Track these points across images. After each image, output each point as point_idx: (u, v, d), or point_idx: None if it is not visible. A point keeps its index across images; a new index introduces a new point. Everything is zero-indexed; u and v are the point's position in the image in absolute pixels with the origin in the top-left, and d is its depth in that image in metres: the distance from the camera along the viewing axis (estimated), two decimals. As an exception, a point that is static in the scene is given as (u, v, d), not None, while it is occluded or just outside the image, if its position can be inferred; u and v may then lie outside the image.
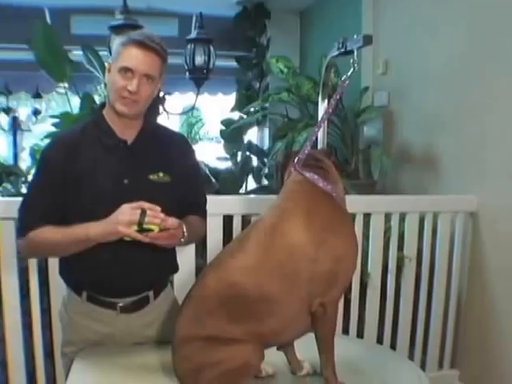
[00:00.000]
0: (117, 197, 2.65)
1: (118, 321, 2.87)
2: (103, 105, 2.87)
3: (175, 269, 3.11)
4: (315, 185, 2.48)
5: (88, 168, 2.68)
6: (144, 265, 2.77)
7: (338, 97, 2.87)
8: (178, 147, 2.95)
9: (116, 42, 2.78)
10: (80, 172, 2.67)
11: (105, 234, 2.52)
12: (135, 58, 2.62)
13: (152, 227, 2.46)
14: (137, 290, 2.87)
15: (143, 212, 2.44)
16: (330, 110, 2.93)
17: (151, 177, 2.75)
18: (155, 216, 2.45)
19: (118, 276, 2.71)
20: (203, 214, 3.06)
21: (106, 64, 2.81)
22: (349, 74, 2.90)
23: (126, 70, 2.62)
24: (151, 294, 2.92)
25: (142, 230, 2.46)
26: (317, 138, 2.92)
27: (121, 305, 2.85)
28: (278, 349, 2.70)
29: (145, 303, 2.90)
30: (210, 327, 2.36)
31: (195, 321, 2.42)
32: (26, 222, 2.73)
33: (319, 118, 3.79)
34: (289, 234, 2.38)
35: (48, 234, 2.64)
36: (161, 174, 2.77)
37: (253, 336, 2.32)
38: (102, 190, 2.68)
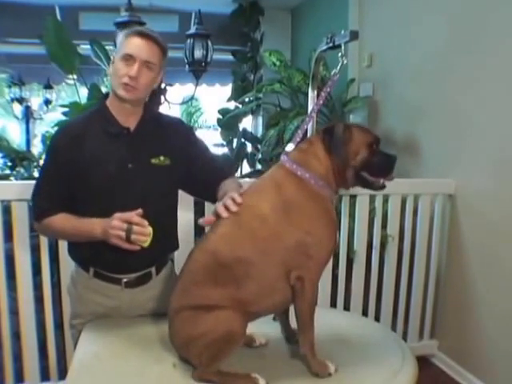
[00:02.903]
0: (122, 180, 2.70)
1: (122, 295, 2.87)
2: (106, 95, 2.86)
3: (176, 246, 3.10)
4: (293, 171, 2.45)
5: (94, 155, 2.67)
6: (149, 245, 2.75)
7: (328, 89, 2.85)
8: (176, 130, 2.94)
9: (120, 35, 2.77)
10: (86, 159, 2.67)
11: (104, 237, 2.54)
12: (136, 45, 2.63)
13: (140, 243, 2.47)
14: (140, 266, 2.87)
15: (129, 229, 2.44)
16: (321, 102, 2.91)
17: (153, 161, 2.76)
18: (141, 233, 2.45)
19: (123, 253, 2.67)
20: (230, 174, 3.03)
21: (112, 57, 2.80)
22: (338, 67, 2.89)
23: (127, 57, 2.62)
24: (153, 270, 2.92)
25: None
26: (307, 130, 2.88)
27: (125, 280, 2.85)
28: (274, 319, 2.74)
29: (147, 279, 2.91)
30: (196, 296, 2.35)
31: (184, 293, 2.41)
32: (39, 210, 2.75)
33: (309, 108, 3.77)
34: (257, 204, 2.37)
35: (60, 224, 2.69)
36: (161, 158, 2.77)
37: (234, 301, 2.30)
38: (108, 175, 2.68)
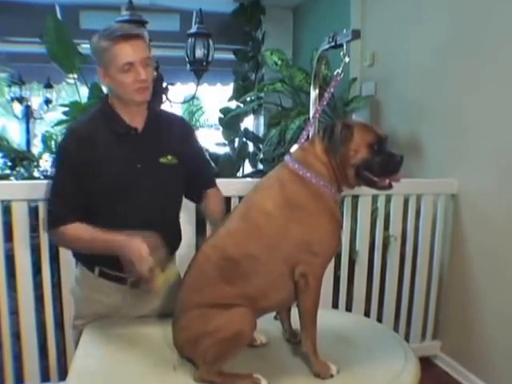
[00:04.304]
0: (132, 180, 2.72)
1: (126, 294, 2.89)
2: (108, 95, 2.86)
3: (179, 245, 3.10)
4: (295, 171, 2.46)
5: (103, 156, 2.68)
6: None
7: (332, 90, 2.85)
8: (179, 129, 2.96)
9: (96, 48, 2.68)
10: (97, 161, 2.67)
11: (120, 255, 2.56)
12: (128, 51, 2.60)
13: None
14: None
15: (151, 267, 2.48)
16: (325, 103, 2.91)
17: (161, 160, 2.78)
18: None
19: None
20: (215, 184, 3.10)
21: (99, 71, 2.74)
22: (341, 68, 2.88)
23: (127, 67, 2.60)
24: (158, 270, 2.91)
25: None
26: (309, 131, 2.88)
27: (131, 280, 2.85)
28: (275, 318, 2.75)
29: None
30: (207, 293, 2.37)
31: (194, 289, 2.44)
32: (56, 218, 2.73)
33: (311, 108, 3.77)
34: (262, 202, 2.40)
35: (78, 237, 2.68)
36: (169, 157, 2.79)
37: (244, 298, 2.33)
38: (117, 176, 2.70)
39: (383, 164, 2.42)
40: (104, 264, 2.84)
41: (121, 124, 2.76)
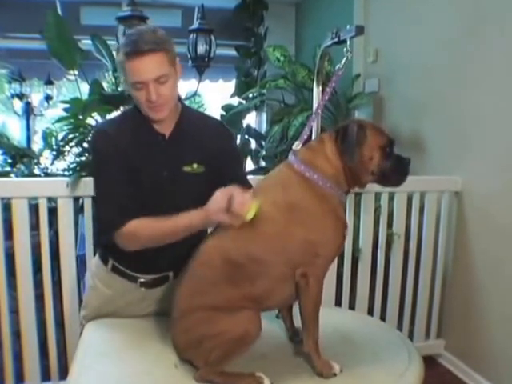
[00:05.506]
0: (157, 189, 2.69)
1: (135, 293, 2.90)
2: None
3: None
4: (300, 172, 2.43)
5: (131, 162, 2.65)
6: (171, 249, 2.66)
7: (333, 85, 2.83)
8: (213, 135, 2.85)
9: (119, 52, 2.60)
10: (124, 163, 2.64)
11: (203, 221, 2.46)
12: (138, 70, 2.50)
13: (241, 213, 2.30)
14: (159, 269, 2.87)
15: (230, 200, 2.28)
16: (327, 98, 2.89)
17: (185, 168, 2.72)
18: (241, 204, 2.28)
19: (144, 255, 2.68)
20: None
21: (122, 79, 2.70)
22: (342, 63, 2.87)
23: (138, 86, 2.54)
24: (171, 274, 2.91)
25: None
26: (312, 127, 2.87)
27: (141, 280, 2.88)
28: (277, 317, 2.77)
29: (164, 281, 2.91)
30: (210, 295, 2.36)
31: (195, 291, 2.42)
32: (113, 220, 2.61)
33: (314, 104, 3.76)
34: (264, 205, 2.35)
35: (148, 228, 2.58)
36: (195, 166, 2.74)
37: (249, 300, 2.33)
38: (144, 183, 2.68)
39: (394, 169, 2.47)
40: (118, 260, 2.86)
41: (149, 130, 2.72)
